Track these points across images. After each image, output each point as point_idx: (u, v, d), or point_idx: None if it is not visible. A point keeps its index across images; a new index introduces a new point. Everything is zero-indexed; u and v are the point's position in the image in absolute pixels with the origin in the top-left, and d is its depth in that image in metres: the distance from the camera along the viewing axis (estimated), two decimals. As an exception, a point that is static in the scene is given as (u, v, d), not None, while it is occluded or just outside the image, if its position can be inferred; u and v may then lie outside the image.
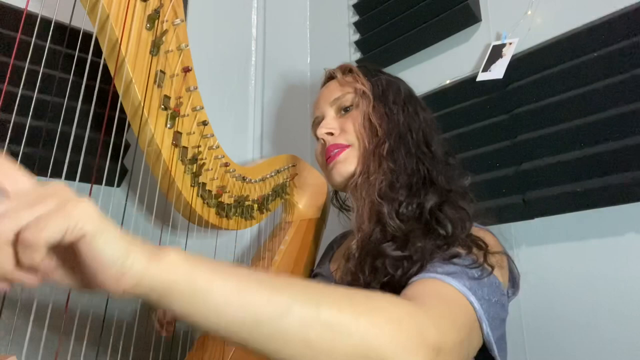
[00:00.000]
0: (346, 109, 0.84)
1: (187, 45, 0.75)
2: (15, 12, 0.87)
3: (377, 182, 0.74)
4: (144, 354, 0.76)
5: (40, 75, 0.68)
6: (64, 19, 0.64)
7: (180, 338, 0.88)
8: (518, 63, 0.98)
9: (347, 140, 0.81)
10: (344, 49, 1.41)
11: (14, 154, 0.48)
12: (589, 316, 0.84)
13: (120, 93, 0.68)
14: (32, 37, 0.64)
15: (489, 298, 0.59)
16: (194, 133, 0.79)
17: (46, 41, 0.68)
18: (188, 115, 0.77)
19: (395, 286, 0.62)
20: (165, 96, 0.73)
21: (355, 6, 1.38)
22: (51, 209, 0.33)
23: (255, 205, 0.99)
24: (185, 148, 0.78)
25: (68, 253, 0.36)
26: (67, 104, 0.73)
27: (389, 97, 0.82)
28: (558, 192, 0.86)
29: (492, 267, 0.62)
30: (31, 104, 0.66)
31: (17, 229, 0.32)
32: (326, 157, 0.83)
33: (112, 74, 0.66)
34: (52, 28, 0.62)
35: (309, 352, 0.40)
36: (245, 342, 0.40)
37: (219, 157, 0.86)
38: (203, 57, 1.14)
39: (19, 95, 0.63)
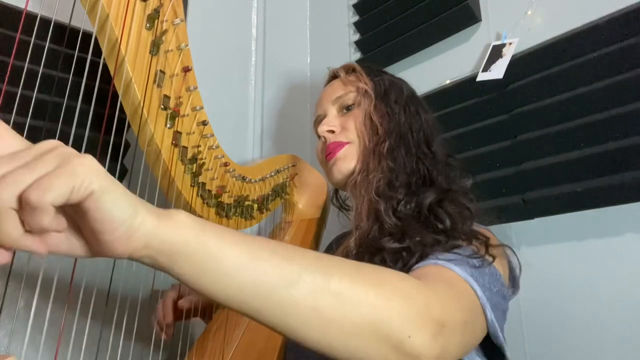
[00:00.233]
0: (348, 108, 0.84)
1: (187, 45, 0.75)
2: (15, 12, 0.87)
3: (376, 180, 0.74)
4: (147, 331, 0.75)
5: (39, 75, 0.67)
6: (64, 18, 0.64)
7: (180, 338, 0.87)
8: (518, 63, 0.98)
9: (348, 137, 0.81)
10: (344, 49, 1.41)
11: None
12: (589, 316, 0.83)
13: (120, 93, 0.67)
14: (31, 36, 0.63)
15: (490, 287, 0.59)
16: (193, 133, 0.79)
17: (46, 41, 0.67)
18: (188, 115, 0.77)
19: None
20: (165, 96, 0.73)
21: (355, 6, 1.37)
22: (54, 168, 0.31)
23: (255, 205, 0.99)
24: (185, 148, 0.78)
25: (72, 215, 0.34)
26: (67, 104, 0.73)
27: (391, 96, 0.82)
28: (558, 192, 0.85)
29: (493, 258, 0.62)
30: (31, 104, 0.66)
31: (19, 191, 0.30)
32: (326, 154, 0.83)
33: (111, 73, 0.66)
34: (51, 28, 0.62)
35: (318, 321, 0.40)
36: (253, 311, 0.39)
37: (219, 156, 0.85)
38: (203, 57, 1.14)
39: (18, 95, 0.62)
